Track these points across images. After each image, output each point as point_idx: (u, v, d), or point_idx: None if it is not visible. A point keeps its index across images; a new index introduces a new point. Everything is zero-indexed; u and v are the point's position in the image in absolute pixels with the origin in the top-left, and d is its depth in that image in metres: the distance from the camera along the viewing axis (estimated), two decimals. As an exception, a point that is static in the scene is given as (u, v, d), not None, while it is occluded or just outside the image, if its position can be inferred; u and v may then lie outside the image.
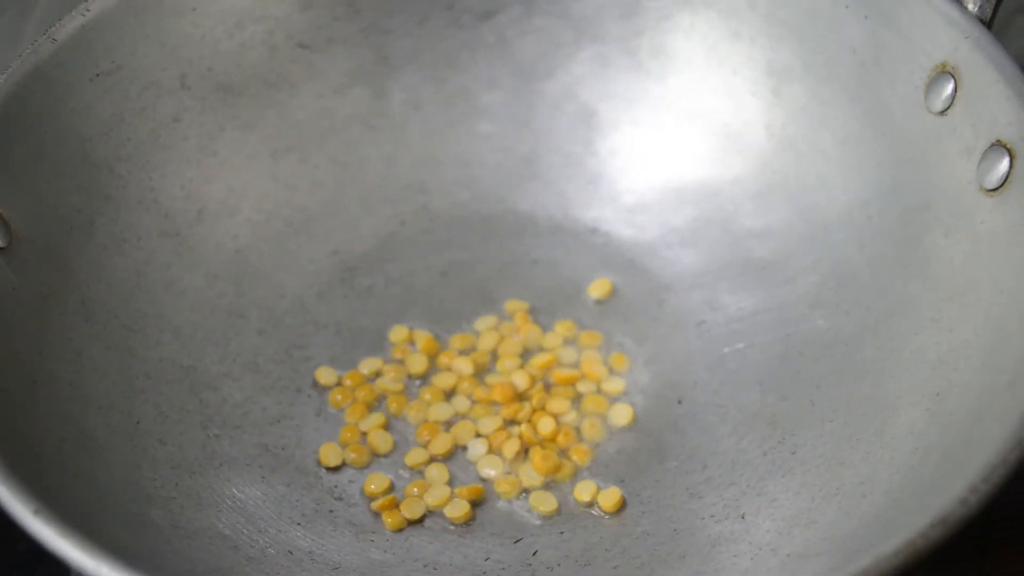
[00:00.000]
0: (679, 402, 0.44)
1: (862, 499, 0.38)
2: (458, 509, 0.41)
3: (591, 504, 0.42)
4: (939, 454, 0.36)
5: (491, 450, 0.44)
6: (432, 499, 0.42)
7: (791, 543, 0.38)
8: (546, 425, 0.44)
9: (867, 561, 0.29)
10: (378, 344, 0.47)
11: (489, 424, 0.44)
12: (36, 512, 0.31)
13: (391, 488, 0.43)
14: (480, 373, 0.46)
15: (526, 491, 0.42)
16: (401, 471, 0.43)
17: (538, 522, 0.42)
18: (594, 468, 0.43)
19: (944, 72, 0.42)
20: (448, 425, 0.45)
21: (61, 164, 0.43)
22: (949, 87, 0.42)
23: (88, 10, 0.44)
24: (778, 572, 0.37)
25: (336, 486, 0.42)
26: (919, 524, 0.30)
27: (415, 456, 0.43)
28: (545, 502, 0.42)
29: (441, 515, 0.42)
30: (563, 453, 0.43)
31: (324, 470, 0.43)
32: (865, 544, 0.34)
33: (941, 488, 0.32)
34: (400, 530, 0.41)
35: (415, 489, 0.42)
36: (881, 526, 0.35)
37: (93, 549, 0.30)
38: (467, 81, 0.51)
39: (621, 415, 0.44)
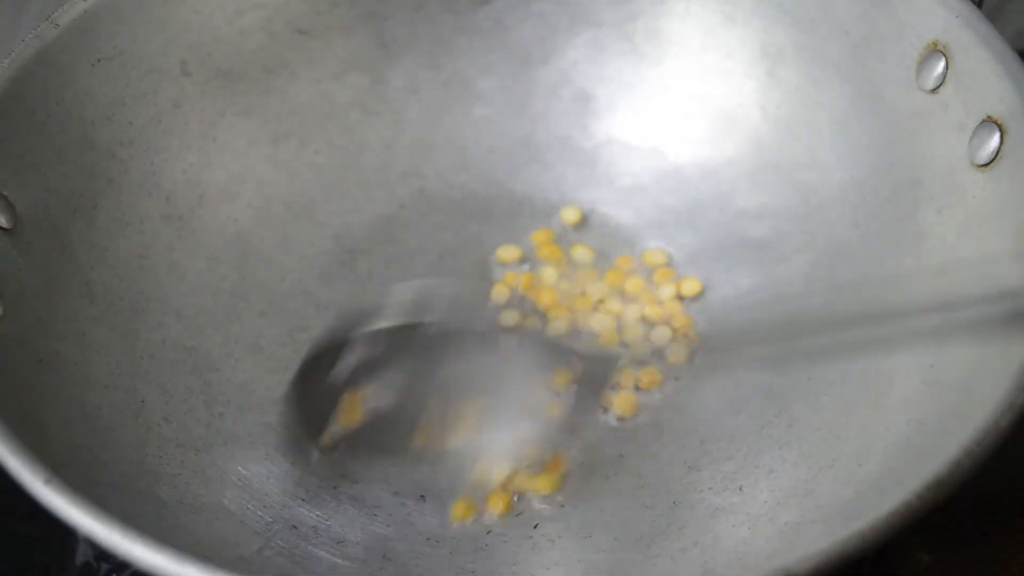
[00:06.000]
0: (676, 378, 0.45)
1: (858, 468, 0.38)
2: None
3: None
4: (933, 423, 0.36)
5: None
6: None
7: (788, 513, 0.39)
8: None
9: (864, 523, 0.30)
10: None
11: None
12: (47, 482, 0.32)
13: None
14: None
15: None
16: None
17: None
18: (590, 450, 0.44)
19: (935, 51, 0.42)
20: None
21: (64, 148, 0.43)
22: (940, 65, 0.42)
23: (90, -5, 0.44)
24: (776, 541, 0.38)
25: (339, 463, 0.43)
26: (914, 487, 0.31)
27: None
28: None
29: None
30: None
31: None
32: (861, 511, 0.34)
33: (935, 455, 0.32)
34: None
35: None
36: (876, 493, 0.35)
37: (104, 516, 0.31)
38: (464, 66, 0.52)
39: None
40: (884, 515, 0.30)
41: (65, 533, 0.44)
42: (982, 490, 0.43)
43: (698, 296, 0.47)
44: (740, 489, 0.41)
